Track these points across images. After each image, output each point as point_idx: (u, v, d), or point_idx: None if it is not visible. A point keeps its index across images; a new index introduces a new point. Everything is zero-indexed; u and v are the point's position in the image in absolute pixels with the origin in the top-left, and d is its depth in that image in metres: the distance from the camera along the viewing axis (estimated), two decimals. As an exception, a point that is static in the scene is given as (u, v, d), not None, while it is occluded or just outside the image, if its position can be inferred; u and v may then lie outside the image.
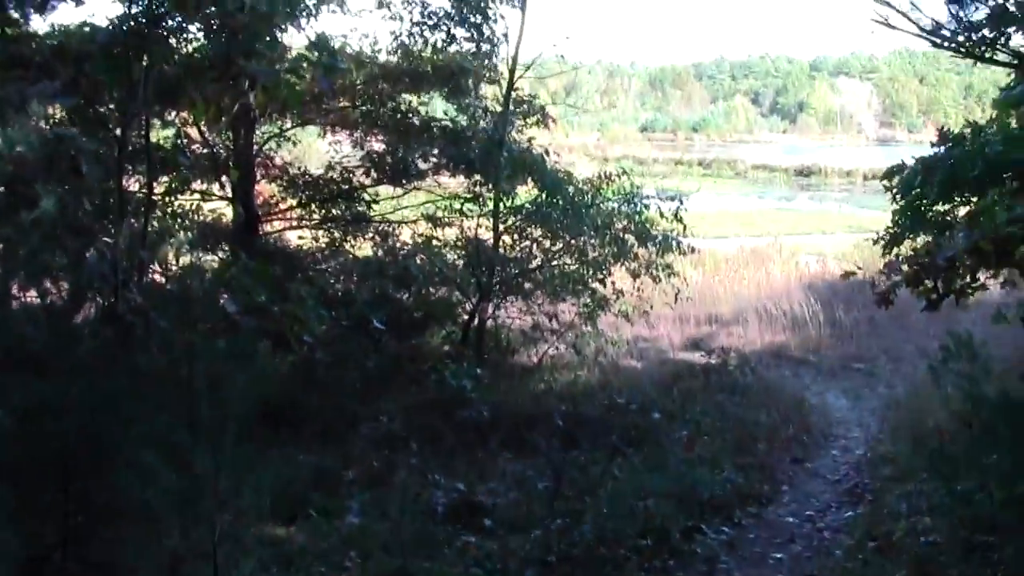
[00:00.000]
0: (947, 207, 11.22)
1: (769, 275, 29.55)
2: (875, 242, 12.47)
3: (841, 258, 33.22)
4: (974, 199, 10.79)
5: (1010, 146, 9.67)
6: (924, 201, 10.88)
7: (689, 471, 11.48)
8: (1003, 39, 10.38)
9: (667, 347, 20.98)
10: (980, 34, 10.34)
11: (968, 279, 11.35)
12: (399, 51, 16.37)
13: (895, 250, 12.30)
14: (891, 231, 11.75)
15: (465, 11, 15.88)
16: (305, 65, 13.11)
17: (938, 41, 10.71)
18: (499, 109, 16.39)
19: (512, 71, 16.15)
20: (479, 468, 11.97)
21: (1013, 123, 11.13)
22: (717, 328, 22.70)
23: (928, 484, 11.48)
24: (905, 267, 11.56)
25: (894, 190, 11.27)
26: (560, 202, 16.17)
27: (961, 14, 10.20)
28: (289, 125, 16.77)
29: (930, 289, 11.49)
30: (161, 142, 14.38)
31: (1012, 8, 9.96)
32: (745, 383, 16.47)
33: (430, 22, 15.98)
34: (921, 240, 12.02)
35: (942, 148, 10.58)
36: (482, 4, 15.92)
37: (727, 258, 32.43)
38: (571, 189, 16.58)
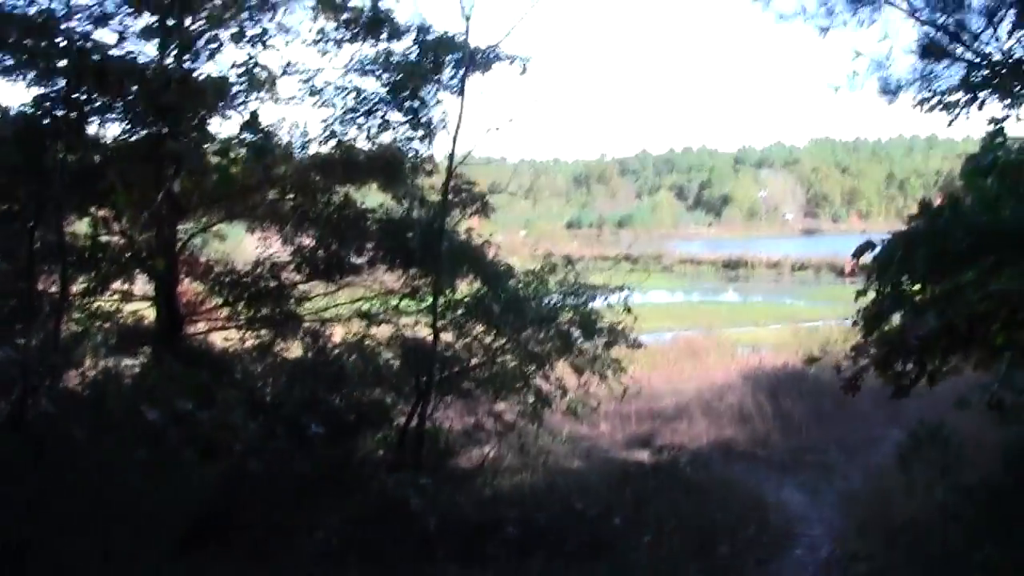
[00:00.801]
0: (920, 286, 10.58)
1: (708, 368, 29.13)
2: (854, 323, 11.76)
3: (779, 348, 33.04)
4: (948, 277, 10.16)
5: (996, 211, 9.11)
6: (903, 279, 10.19)
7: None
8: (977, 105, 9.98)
9: (610, 445, 20.29)
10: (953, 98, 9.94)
11: (939, 362, 10.72)
12: (331, 140, 15.54)
13: (858, 334, 11.65)
14: (868, 312, 11.02)
15: (401, 96, 15.14)
16: (235, 153, 12.35)
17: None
18: (437, 198, 15.61)
19: (451, 158, 15.44)
20: (426, 584, 11.02)
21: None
22: (660, 424, 22.05)
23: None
24: (874, 350, 10.85)
25: (868, 269, 10.58)
26: (503, 295, 15.38)
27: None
28: (215, 220, 15.80)
29: (900, 373, 10.82)
30: (78, 237, 13.52)
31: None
32: (699, 481, 15.83)
33: (363, 108, 15.20)
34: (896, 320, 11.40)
35: (919, 223, 9.92)
36: (418, 89, 15.20)
37: (662, 352, 31.93)
38: (513, 282, 15.80)
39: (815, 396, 22.92)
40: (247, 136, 12.73)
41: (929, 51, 11.17)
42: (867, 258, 10.76)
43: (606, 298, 16.02)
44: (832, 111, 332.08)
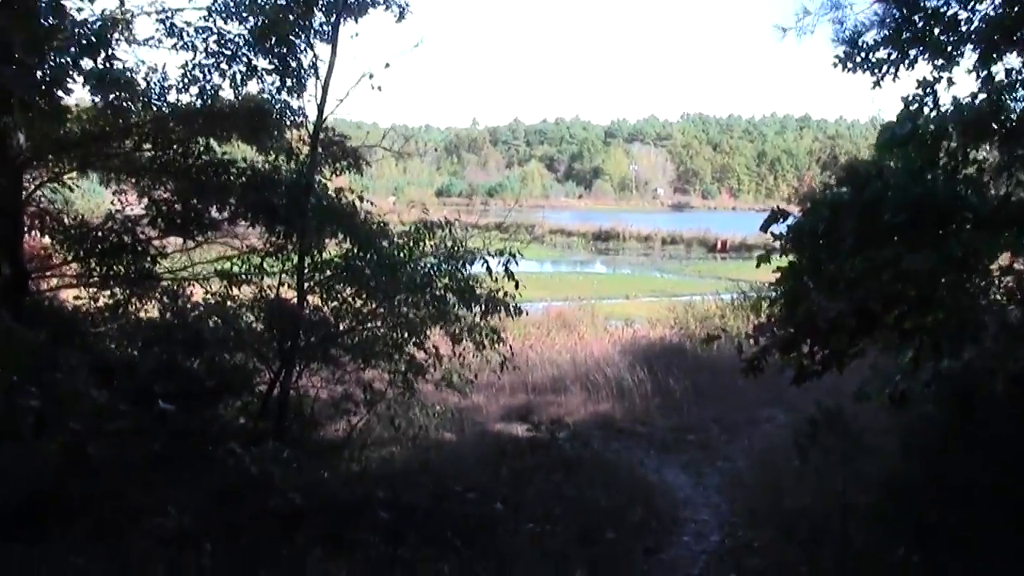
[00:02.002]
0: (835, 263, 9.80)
1: (582, 340, 28.51)
2: (766, 301, 11.03)
3: (653, 321, 32.74)
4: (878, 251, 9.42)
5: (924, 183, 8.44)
6: (823, 255, 9.40)
7: (534, 573, 9.89)
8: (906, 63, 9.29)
9: (485, 418, 19.50)
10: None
11: (847, 345, 10.04)
12: (193, 87, 14.28)
13: (764, 311, 10.97)
14: (782, 288, 10.22)
15: (267, 42, 13.99)
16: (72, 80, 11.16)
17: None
18: (306, 152, 14.51)
19: (321, 108, 14.34)
20: (286, 570, 9.99)
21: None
22: (536, 397, 21.34)
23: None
24: (781, 331, 10.11)
25: (782, 241, 9.80)
26: (374, 257, 14.36)
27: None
28: (66, 169, 14.44)
29: (805, 355, 10.12)
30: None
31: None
32: (579, 460, 15.11)
33: (228, 52, 14.00)
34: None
35: (845, 192, 9.15)
36: (286, 34, 14.06)
37: (535, 322, 31.22)
38: (386, 243, 14.77)
39: (694, 372, 22.46)
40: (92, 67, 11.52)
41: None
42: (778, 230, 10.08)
43: (485, 263, 15.05)
44: (706, 87, 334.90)
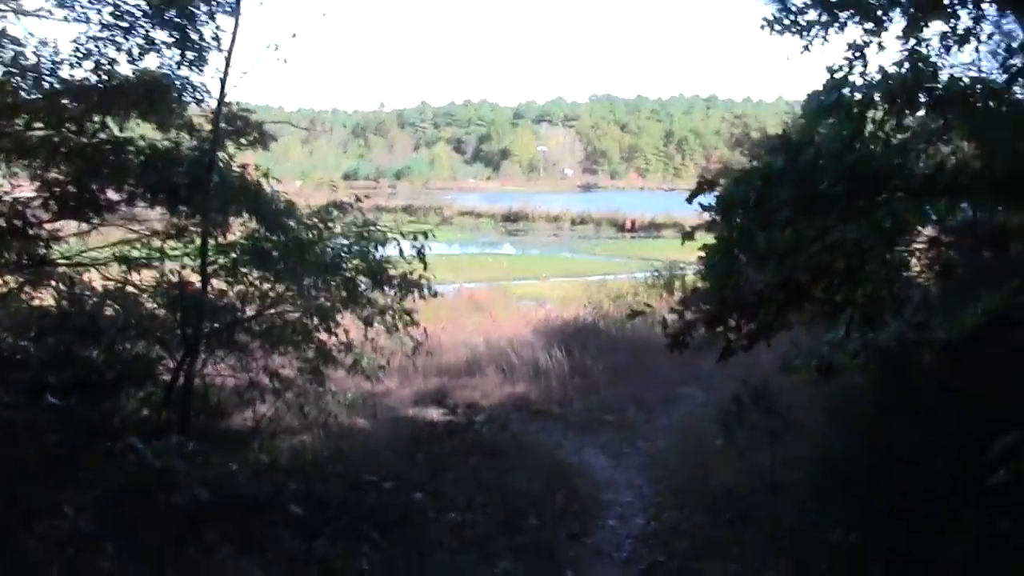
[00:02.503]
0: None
1: (495, 322, 28.11)
2: (679, 279, 10.64)
3: (566, 302, 32.52)
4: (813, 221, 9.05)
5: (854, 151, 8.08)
6: (755, 226, 8.98)
7: (457, 563, 9.43)
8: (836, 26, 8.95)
9: (398, 403, 19.00)
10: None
11: (773, 318, 9.70)
12: (87, 62, 13.52)
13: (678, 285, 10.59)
14: (709, 263, 9.80)
15: (166, 12, 13.28)
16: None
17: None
18: (208, 128, 13.83)
19: (223, 81, 13.67)
20: (193, 570, 9.45)
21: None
22: (450, 380, 20.90)
23: (745, 562, 9.76)
24: (705, 305, 9.73)
25: (711, 212, 9.38)
26: (281, 238, 13.73)
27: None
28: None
29: (731, 330, 9.77)
30: None
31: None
32: (497, 444, 14.71)
33: (124, 24, 13.25)
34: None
35: (777, 159, 8.75)
36: (187, 3, 13.38)
37: (446, 304, 30.73)
38: (293, 223, 14.14)
39: (610, 352, 22.21)
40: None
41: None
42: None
43: (397, 244, 14.51)
44: (613, 67, 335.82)
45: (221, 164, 13.75)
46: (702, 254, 9.53)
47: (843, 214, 8.03)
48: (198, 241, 13.77)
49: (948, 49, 9.76)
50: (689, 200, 9.55)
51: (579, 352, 21.92)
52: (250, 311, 14.50)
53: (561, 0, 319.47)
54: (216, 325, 14.17)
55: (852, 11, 9.54)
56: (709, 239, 9.47)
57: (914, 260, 11.22)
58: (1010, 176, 8.14)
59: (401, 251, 14.43)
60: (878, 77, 9.03)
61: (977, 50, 9.77)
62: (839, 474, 9.77)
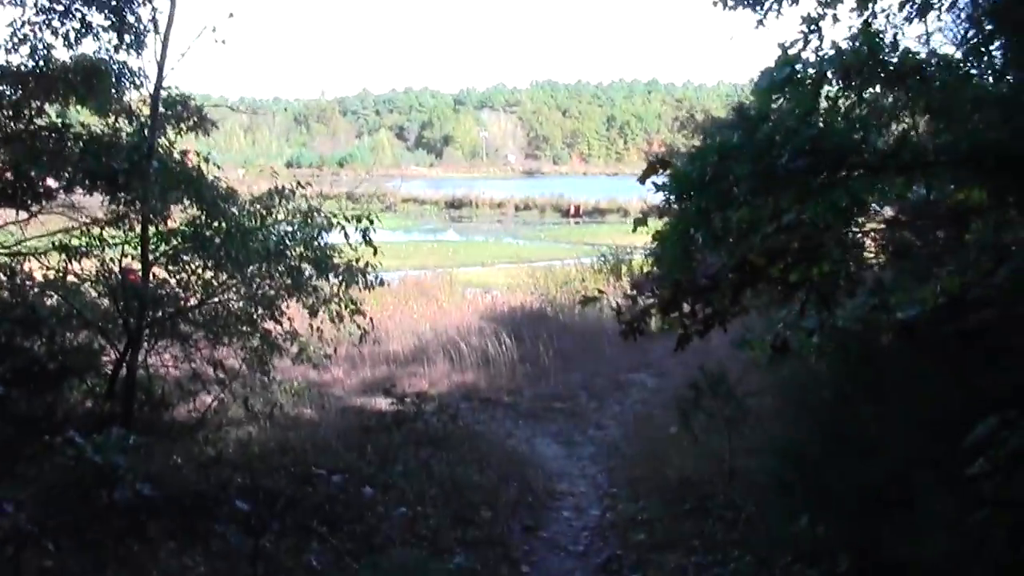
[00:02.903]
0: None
1: (442, 309, 27.89)
2: (626, 264, 10.44)
3: (512, 288, 32.38)
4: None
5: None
6: (712, 205, 8.77)
7: (408, 559, 9.20)
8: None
9: (345, 392, 18.72)
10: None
11: (729, 302, 9.54)
12: (23, 47, 13.14)
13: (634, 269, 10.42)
14: (663, 245, 9.58)
15: (101, -6, 12.95)
16: None
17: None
18: (147, 112, 13.48)
19: (161, 64, 13.32)
20: (136, 567, 9.15)
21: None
22: (397, 369, 20.63)
23: (706, 555, 9.59)
24: (659, 290, 9.54)
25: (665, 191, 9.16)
26: (223, 224, 13.41)
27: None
28: None
29: (687, 315, 9.60)
30: None
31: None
32: (447, 433, 14.45)
33: (60, 7, 12.90)
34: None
35: (735, 135, 8.56)
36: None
37: (391, 292, 30.46)
38: (235, 210, 13.82)
39: (559, 338, 22.00)
40: None
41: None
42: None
43: (342, 229, 14.24)
44: (554, 53, 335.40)
45: (161, 150, 13.42)
46: (651, 239, 9.34)
47: (800, 192, 7.86)
48: (138, 229, 13.44)
49: (910, 21, 9.65)
50: (641, 180, 9.33)
51: (528, 339, 21.72)
52: (193, 300, 14.14)
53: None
54: (159, 314, 13.83)
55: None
56: (660, 225, 9.29)
57: (869, 241, 11.13)
58: (971, 153, 8.04)
59: (347, 235, 14.14)
60: (831, 52, 8.90)
61: (935, 20, 9.65)
62: (801, 462, 9.61)
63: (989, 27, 9.56)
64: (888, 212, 10.28)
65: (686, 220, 8.55)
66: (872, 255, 11.23)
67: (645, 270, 29.71)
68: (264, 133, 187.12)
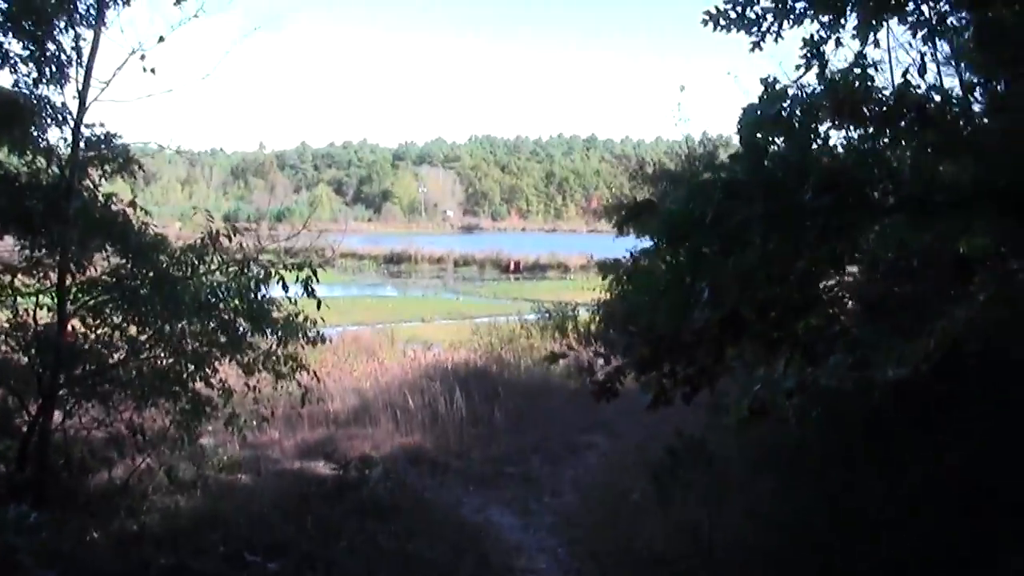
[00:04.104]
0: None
1: (383, 366, 26.73)
2: (571, 321, 9.43)
3: (455, 344, 31.46)
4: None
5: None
6: (715, 247, 7.73)
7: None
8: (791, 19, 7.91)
9: (282, 455, 17.47)
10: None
11: (714, 361, 8.57)
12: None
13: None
14: (641, 297, 8.54)
15: (22, 22, 11.81)
16: None
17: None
18: (67, 152, 12.29)
19: (83, 96, 12.17)
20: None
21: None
22: (338, 430, 19.44)
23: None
24: (641, 348, 8.54)
25: (651, 232, 8.16)
26: (150, 274, 12.20)
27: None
28: None
29: (665, 375, 8.61)
30: None
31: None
32: (394, 502, 13.29)
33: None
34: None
35: (734, 170, 7.57)
36: (44, 17, 11.90)
37: (330, 349, 29.25)
38: (165, 259, 12.61)
39: (506, 396, 20.89)
40: None
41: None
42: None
43: (280, 280, 13.04)
44: (493, 107, 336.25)
45: (86, 193, 12.25)
46: (607, 292, 8.44)
47: (825, 231, 6.89)
48: (55, 277, 12.21)
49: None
50: (622, 225, 8.38)
51: (472, 398, 20.62)
52: (116, 357, 12.89)
53: (439, 41, 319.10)
54: (77, 372, 12.56)
55: (807, 1, 8.46)
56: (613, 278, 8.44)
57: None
58: (974, 193, 7.20)
59: (285, 287, 12.97)
60: (816, 86, 8.04)
61: (932, 55, 8.78)
62: (803, 539, 8.61)
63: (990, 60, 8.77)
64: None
65: (681, 267, 7.56)
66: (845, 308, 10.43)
67: (593, 327, 29.07)
68: (201, 186, 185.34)
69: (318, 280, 13.12)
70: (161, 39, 12.50)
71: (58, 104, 12.43)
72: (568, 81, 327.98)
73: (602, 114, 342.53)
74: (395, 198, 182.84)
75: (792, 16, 8.53)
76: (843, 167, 6.95)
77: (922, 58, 8.62)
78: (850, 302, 10.69)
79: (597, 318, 24.21)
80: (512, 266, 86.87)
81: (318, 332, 13.61)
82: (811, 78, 8.19)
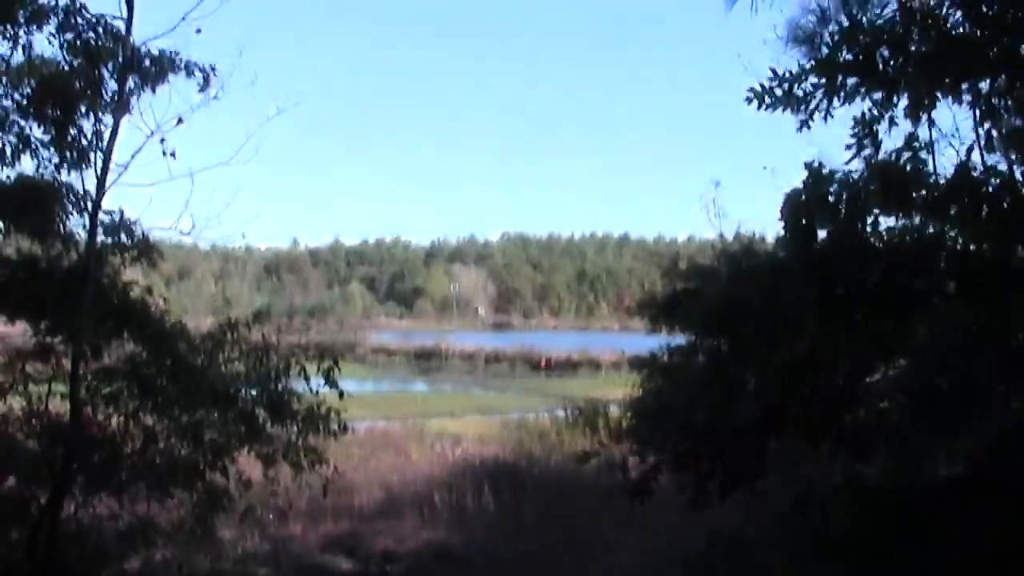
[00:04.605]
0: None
1: (410, 461, 26.34)
2: (602, 417, 9.08)
3: (484, 440, 31.06)
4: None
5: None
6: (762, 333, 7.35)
7: None
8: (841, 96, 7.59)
9: (304, 550, 17.02)
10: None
11: (756, 455, 8.17)
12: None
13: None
14: (679, 390, 8.19)
15: (45, 107, 11.72)
16: None
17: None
18: (84, 236, 12.10)
19: (102, 181, 12.01)
20: None
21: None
22: (362, 524, 18.99)
23: None
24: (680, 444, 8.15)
25: (688, 324, 7.84)
26: (167, 362, 11.90)
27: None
28: None
29: (705, 475, 8.20)
30: None
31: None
32: (417, 603, 12.78)
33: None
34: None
35: (787, 250, 7.24)
36: (69, 102, 11.81)
37: (358, 442, 28.94)
38: (183, 347, 12.32)
39: (536, 493, 20.37)
40: None
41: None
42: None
43: (301, 371, 12.69)
44: (525, 204, 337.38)
45: (106, 280, 12.04)
46: (627, 389, 8.13)
47: (878, 318, 6.52)
48: (68, 364, 11.95)
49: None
50: (659, 315, 8.08)
51: (502, 494, 20.15)
52: (131, 447, 12.56)
53: (472, 138, 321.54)
54: (91, 462, 12.23)
55: (859, 77, 8.09)
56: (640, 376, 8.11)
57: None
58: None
59: (307, 377, 12.64)
60: (865, 172, 7.73)
61: (986, 137, 8.38)
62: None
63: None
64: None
65: (723, 357, 7.21)
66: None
67: (624, 423, 28.58)
68: (235, 281, 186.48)
69: (340, 370, 12.78)
70: (180, 121, 12.37)
71: (79, 190, 12.28)
72: (602, 179, 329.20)
73: (635, 212, 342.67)
74: (427, 295, 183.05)
75: (842, 93, 8.17)
76: (898, 249, 6.60)
77: (986, 136, 8.27)
78: (898, 395, 10.27)
79: (629, 414, 23.78)
80: (543, 363, 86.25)
81: (340, 423, 13.23)
82: (855, 164, 7.85)
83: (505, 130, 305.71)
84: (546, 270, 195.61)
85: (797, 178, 7.91)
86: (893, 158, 7.67)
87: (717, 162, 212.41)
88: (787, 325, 6.76)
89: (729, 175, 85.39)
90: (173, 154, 12.34)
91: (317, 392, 13.02)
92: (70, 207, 12.29)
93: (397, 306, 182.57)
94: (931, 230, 7.90)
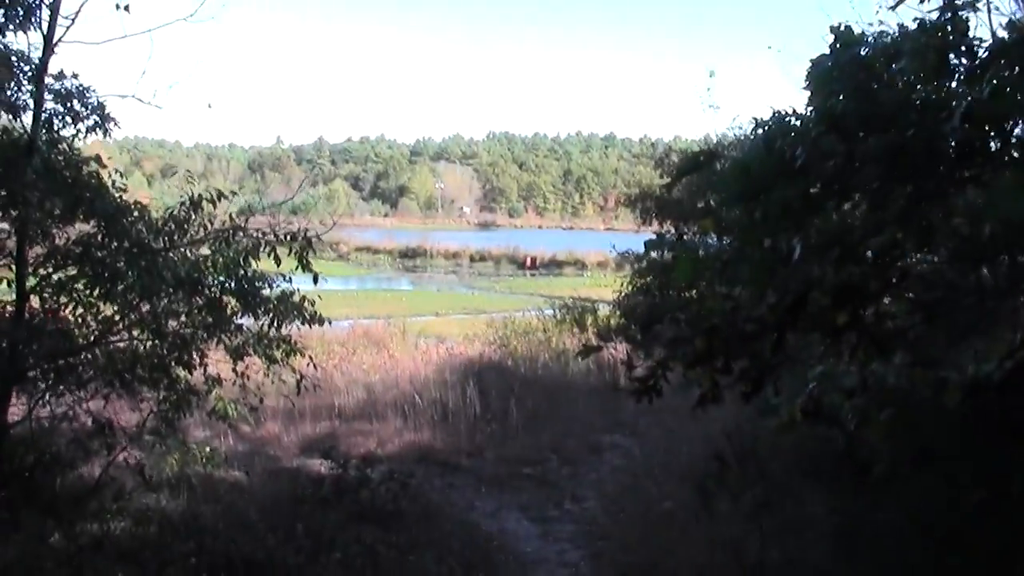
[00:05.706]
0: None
1: (394, 360, 25.31)
2: (590, 315, 7.97)
3: (470, 339, 30.11)
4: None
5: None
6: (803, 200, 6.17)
7: None
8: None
9: (280, 452, 16.08)
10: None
11: (772, 351, 7.04)
12: None
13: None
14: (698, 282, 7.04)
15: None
16: None
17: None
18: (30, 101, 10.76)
19: (49, 39, 10.68)
20: None
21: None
22: (342, 425, 18.08)
23: None
24: (698, 339, 7.00)
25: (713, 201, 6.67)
26: (126, 245, 10.64)
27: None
28: None
29: (718, 370, 7.07)
30: None
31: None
32: (397, 508, 11.81)
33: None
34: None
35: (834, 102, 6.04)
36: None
37: (340, 341, 28.01)
38: (142, 228, 11.06)
39: (521, 393, 19.36)
40: None
41: None
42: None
43: (272, 253, 11.41)
44: (511, 104, 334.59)
45: (57, 156, 10.74)
46: (618, 288, 6.92)
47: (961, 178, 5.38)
48: (13, 246, 10.72)
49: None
50: (676, 179, 6.90)
51: (488, 394, 19.17)
52: (87, 338, 11.36)
53: (458, 37, 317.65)
54: (40, 356, 11.01)
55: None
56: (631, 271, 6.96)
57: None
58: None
59: (277, 260, 11.40)
60: (897, 34, 6.51)
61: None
62: (848, 555, 7.10)
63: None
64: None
65: (758, 227, 6.04)
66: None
67: (613, 322, 27.66)
68: (219, 179, 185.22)
69: (315, 252, 11.54)
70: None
71: (23, 52, 10.93)
72: (587, 78, 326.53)
73: (621, 112, 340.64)
74: (412, 194, 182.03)
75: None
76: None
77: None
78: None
79: (619, 313, 22.89)
80: (528, 262, 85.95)
81: (316, 314, 12.07)
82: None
83: (491, 27, 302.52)
84: (532, 169, 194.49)
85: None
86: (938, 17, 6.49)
87: (711, 63, 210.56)
88: (845, 188, 5.65)
89: (723, 76, 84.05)
90: (127, 7, 10.95)
91: (291, 280, 11.87)
92: (16, 72, 10.96)
93: (382, 205, 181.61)
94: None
